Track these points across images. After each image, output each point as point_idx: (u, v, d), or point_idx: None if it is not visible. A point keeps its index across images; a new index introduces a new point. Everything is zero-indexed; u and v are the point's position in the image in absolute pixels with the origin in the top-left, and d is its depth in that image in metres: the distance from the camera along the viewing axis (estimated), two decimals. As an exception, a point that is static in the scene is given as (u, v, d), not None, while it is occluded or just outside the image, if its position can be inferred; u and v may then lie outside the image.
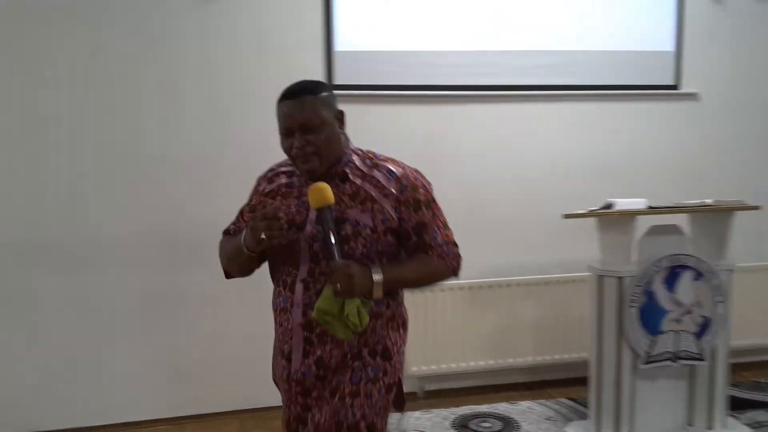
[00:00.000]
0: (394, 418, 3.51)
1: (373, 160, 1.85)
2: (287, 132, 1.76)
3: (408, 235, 1.83)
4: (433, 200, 1.86)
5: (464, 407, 3.68)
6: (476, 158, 3.87)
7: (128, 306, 3.52)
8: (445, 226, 1.88)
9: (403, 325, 1.94)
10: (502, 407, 3.68)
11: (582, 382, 3.37)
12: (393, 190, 1.80)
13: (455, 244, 1.88)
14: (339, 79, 3.63)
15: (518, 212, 3.93)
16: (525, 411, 3.64)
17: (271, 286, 1.92)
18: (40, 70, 3.32)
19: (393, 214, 1.80)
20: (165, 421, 3.58)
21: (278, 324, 1.89)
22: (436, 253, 1.85)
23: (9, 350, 3.41)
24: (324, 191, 1.73)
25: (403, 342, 1.93)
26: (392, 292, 1.86)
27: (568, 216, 3.15)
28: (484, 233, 3.87)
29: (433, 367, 3.81)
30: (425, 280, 1.88)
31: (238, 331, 3.61)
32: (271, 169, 1.96)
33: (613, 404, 3.13)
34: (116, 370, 3.53)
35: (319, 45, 3.60)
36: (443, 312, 3.78)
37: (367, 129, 3.66)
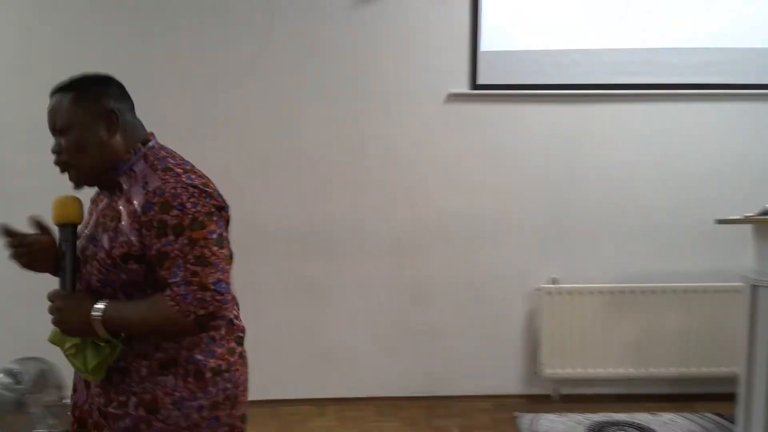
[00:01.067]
0: (525, 418, 3.51)
1: (154, 168, 1.53)
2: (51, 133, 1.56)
3: (153, 265, 1.47)
4: (192, 227, 1.45)
5: (600, 414, 3.61)
6: (626, 160, 3.76)
7: (281, 291, 3.77)
8: (202, 261, 1.45)
9: (197, 373, 1.53)
10: (641, 417, 3.56)
11: (730, 397, 3.20)
12: (137, 208, 1.48)
13: (205, 288, 1.45)
14: (483, 79, 3.68)
15: (668, 215, 3.78)
16: (666, 423, 3.50)
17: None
18: (211, 74, 3.63)
19: (133, 237, 1.47)
20: (307, 402, 3.81)
21: None
22: (169, 295, 1.45)
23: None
24: (63, 206, 1.54)
25: (195, 396, 1.53)
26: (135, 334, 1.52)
27: (721, 221, 2.99)
28: (630, 236, 3.76)
29: (569, 370, 3.76)
30: (151, 326, 1.49)
31: (385, 320, 3.78)
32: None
33: (763, 423, 2.94)
34: (265, 349, 3.79)
35: (464, 45, 3.66)
36: (582, 315, 3.71)
37: (512, 129, 3.71)
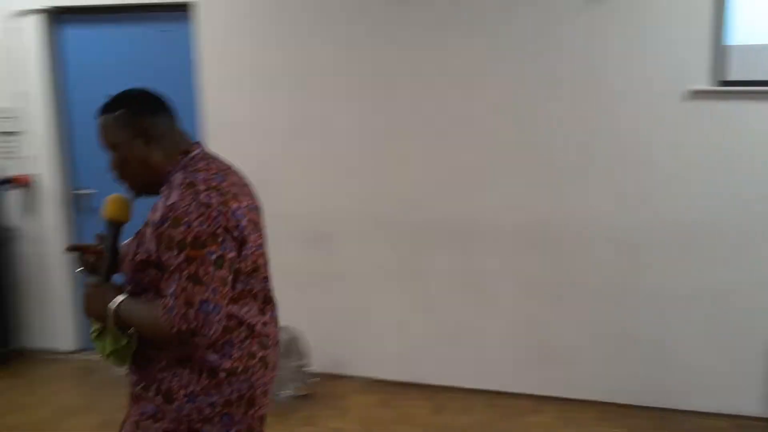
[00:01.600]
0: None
1: (182, 182, 1.61)
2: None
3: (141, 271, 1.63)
4: (195, 245, 1.53)
5: None
6: None
7: (507, 285, 3.83)
8: (194, 279, 1.52)
9: (210, 372, 1.65)
10: None
11: None
12: (158, 219, 1.58)
13: (190, 305, 1.52)
14: (730, 75, 3.35)
15: None
16: None
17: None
18: (443, 74, 3.77)
19: (152, 246, 1.59)
20: (526, 397, 3.84)
21: None
22: (162, 304, 1.55)
23: (408, 311, 4.03)
24: (112, 204, 1.69)
25: (208, 392, 1.65)
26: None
27: None
28: None
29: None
30: (144, 328, 1.61)
31: (612, 324, 3.66)
32: None
33: None
34: (490, 340, 3.89)
35: (705, 39, 3.36)
36: None
37: (762, 129, 3.34)
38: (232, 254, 1.59)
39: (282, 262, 4.09)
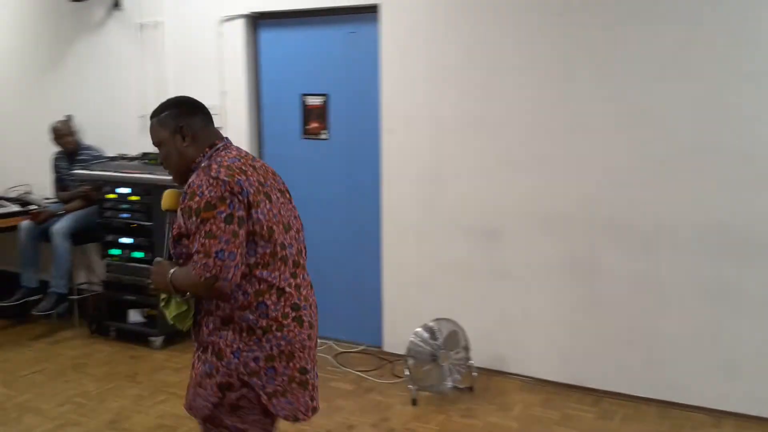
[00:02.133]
0: None
1: (203, 168, 2.00)
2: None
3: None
4: (207, 208, 1.89)
5: None
6: None
7: (687, 290, 3.60)
8: (209, 234, 1.87)
9: (248, 330, 1.98)
10: None
11: None
12: (182, 198, 1.98)
13: (208, 255, 1.86)
14: None
15: None
16: None
17: None
18: (629, 69, 3.64)
19: (181, 220, 1.97)
20: (702, 410, 3.59)
21: None
22: (192, 261, 1.91)
23: (575, 311, 3.91)
24: (166, 197, 2.13)
25: (250, 348, 1.99)
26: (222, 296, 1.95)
27: None
28: None
29: None
30: (189, 287, 1.96)
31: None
32: None
33: None
34: (667, 348, 3.67)
35: None
36: None
37: None
38: (240, 212, 1.92)
39: (448, 255, 4.21)
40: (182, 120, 2.07)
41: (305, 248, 2.21)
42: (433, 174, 4.22)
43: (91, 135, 5.22)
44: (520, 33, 3.89)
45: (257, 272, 1.97)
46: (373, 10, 4.25)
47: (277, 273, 2.01)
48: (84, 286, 5.35)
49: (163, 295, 2.11)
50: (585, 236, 3.83)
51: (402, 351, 3.97)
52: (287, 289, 2.03)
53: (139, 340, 4.69)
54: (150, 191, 4.46)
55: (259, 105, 4.82)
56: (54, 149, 5.12)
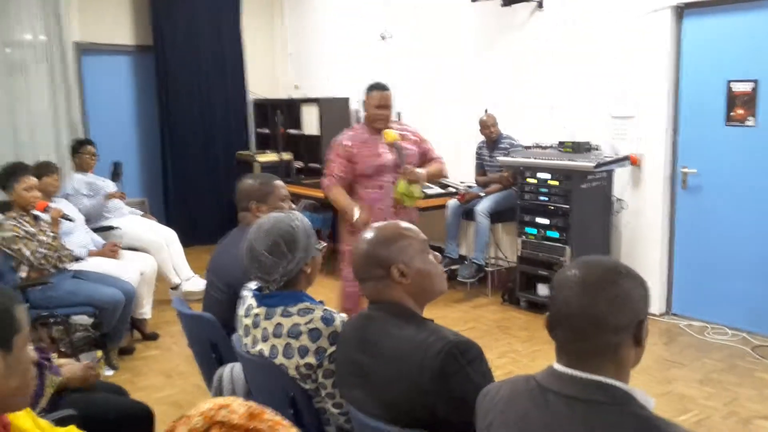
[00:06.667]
0: None
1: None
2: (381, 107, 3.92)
3: (424, 155, 4.08)
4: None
5: None
6: None
7: None
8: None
9: None
10: None
11: None
12: (413, 136, 4.05)
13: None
14: None
15: None
16: None
17: None
18: None
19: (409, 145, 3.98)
20: None
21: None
22: (438, 161, 4.12)
23: None
24: (394, 134, 3.85)
25: None
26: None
27: None
28: None
29: None
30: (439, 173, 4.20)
31: None
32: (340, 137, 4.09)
33: None
34: None
35: None
36: None
37: None
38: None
39: None
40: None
41: None
42: None
43: (507, 126, 5.83)
44: None
45: None
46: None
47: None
48: (492, 261, 6.04)
49: (412, 187, 3.83)
50: None
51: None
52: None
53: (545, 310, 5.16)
54: (570, 176, 4.88)
55: (676, 94, 4.90)
56: (479, 139, 5.87)
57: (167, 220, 6.97)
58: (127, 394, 2.84)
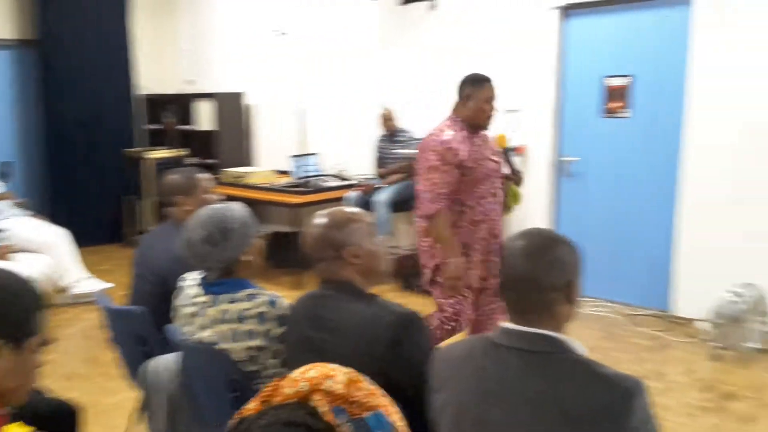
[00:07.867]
0: None
1: None
2: (492, 100, 3.38)
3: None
4: None
5: None
6: None
7: None
8: None
9: None
10: None
11: None
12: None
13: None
14: None
15: None
16: None
17: None
18: None
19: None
20: None
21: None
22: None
23: None
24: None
25: None
26: None
27: None
28: None
29: None
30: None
31: None
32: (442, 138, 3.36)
33: None
34: None
35: None
36: None
37: None
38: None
39: (755, 227, 4.37)
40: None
41: None
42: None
43: (407, 120, 6.06)
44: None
45: None
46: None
47: None
48: (393, 249, 6.26)
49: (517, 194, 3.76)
50: None
51: (694, 315, 4.42)
52: None
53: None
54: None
55: (558, 88, 5.34)
56: (378, 132, 6.07)
57: (52, 221, 6.66)
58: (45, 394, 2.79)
